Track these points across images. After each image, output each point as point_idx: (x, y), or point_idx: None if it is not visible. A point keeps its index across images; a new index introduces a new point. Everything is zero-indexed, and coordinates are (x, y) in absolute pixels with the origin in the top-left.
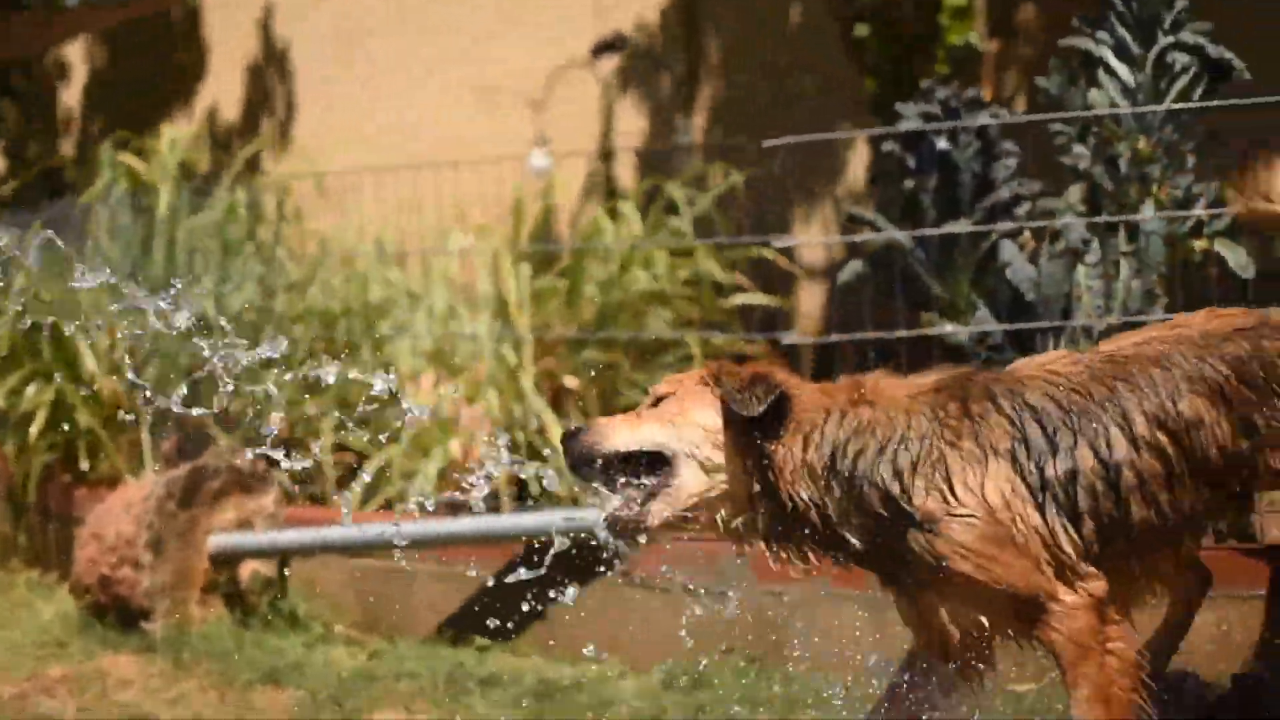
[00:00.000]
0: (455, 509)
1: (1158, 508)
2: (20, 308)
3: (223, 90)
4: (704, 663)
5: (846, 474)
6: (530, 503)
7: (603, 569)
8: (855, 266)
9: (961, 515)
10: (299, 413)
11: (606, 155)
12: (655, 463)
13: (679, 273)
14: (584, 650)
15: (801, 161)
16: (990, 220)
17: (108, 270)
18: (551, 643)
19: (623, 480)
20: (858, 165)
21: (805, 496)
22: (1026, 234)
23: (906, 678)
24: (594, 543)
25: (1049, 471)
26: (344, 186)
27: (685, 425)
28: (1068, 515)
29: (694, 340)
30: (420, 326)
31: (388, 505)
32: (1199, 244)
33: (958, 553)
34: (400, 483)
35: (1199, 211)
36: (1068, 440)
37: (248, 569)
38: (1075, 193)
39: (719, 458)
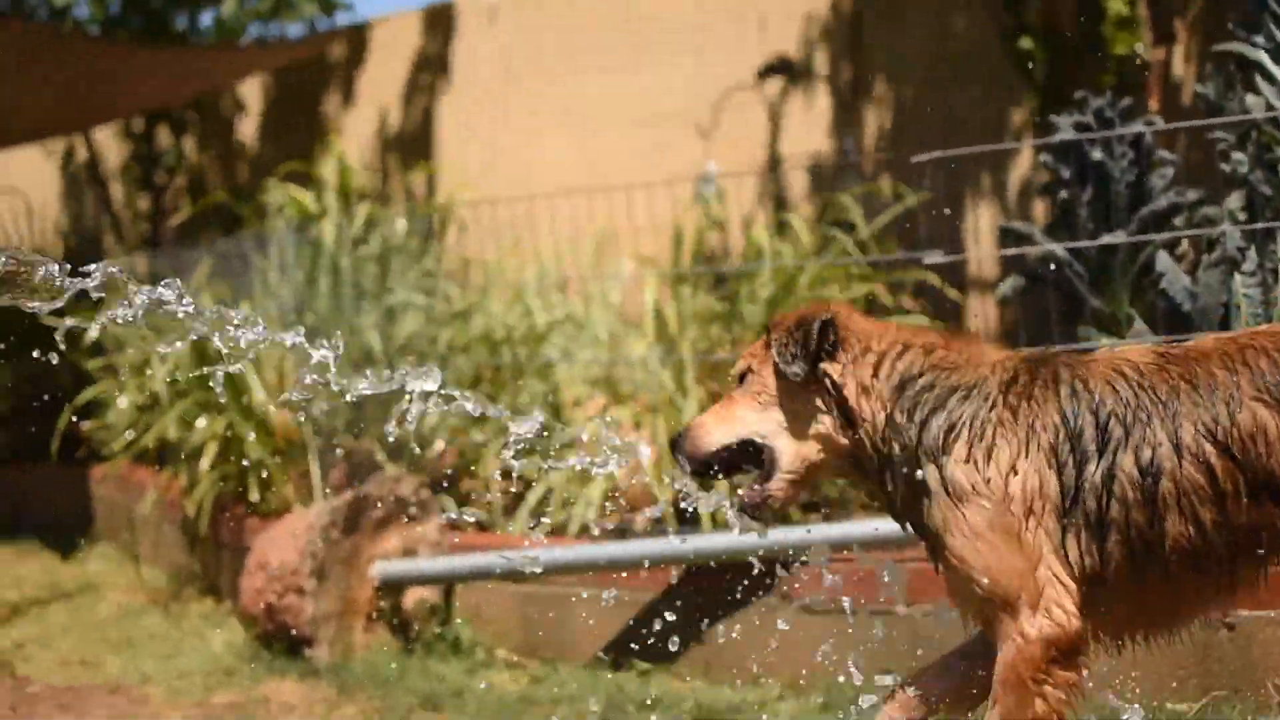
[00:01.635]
0: (620, 534)
1: (1199, 526)
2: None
3: (391, 121)
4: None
5: (909, 406)
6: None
7: (761, 592)
8: (1014, 281)
9: (979, 493)
10: (464, 440)
11: (773, 175)
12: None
13: (846, 293)
14: (745, 673)
15: (964, 178)
16: (1147, 231)
17: (261, 320)
18: (712, 667)
19: (738, 468)
20: (1020, 180)
21: (868, 414)
22: (1185, 244)
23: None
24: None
25: (1086, 474)
26: (514, 216)
27: (767, 400)
28: (1094, 522)
29: None
30: (585, 352)
31: (553, 531)
32: None
33: (960, 528)
34: (565, 509)
35: None
36: (1115, 441)
37: (413, 596)
38: (1235, 200)
39: (802, 418)
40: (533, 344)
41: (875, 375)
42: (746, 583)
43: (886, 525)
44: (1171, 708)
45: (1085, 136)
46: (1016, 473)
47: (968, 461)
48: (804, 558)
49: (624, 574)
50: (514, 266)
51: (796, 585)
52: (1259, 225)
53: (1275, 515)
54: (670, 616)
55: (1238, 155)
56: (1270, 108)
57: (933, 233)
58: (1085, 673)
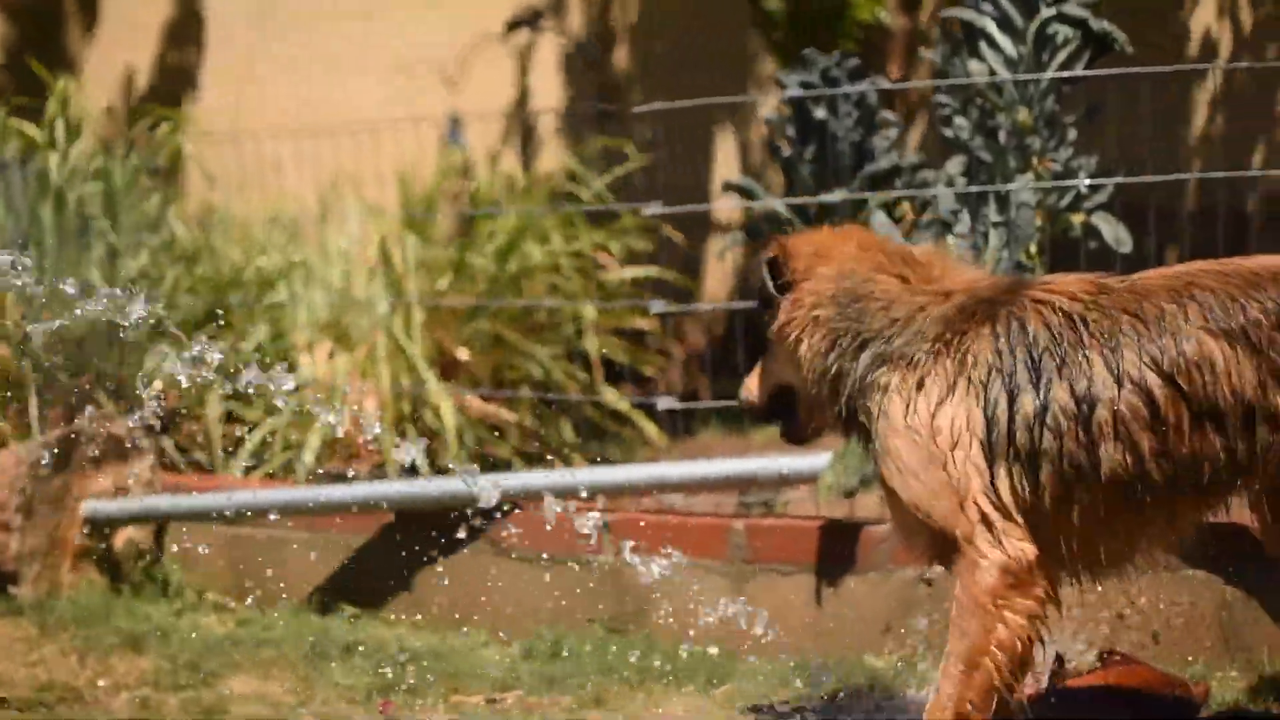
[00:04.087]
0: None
1: (1137, 455)
2: None
3: (140, 63)
4: (565, 633)
5: (847, 337)
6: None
7: (471, 539)
8: (734, 236)
9: (910, 427)
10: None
11: (515, 125)
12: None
13: (572, 245)
14: (452, 620)
15: (701, 132)
16: (868, 190)
17: None
18: (420, 612)
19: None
20: (759, 138)
21: (813, 346)
22: (906, 205)
23: None
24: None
25: (1018, 407)
26: (257, 159)
27: (773, 352)
28: (1025, 456)
29: (589, 312)
30: (313, 297)
31: (271, 475)
32: (1077, 218)
33: (893, 461)
34: (285, 454)
35: (1070, 183)
36: (1049, 374)
37: (123, 536)
38: (955, 165)
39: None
40: (261, 287)
41: (817, 301)
42: (456, 530)
43: (590, 475)
44: (869, 662)
45: (809, 94)
46: (945, 408)
47: (900, 395)
48: (511, 505)
49: (336, 518)
50: (248, 208)
51: (505, 533)
52: (972, 189)
53: (1217, 447)
54: (380, 561)
55: (960, 121)
56: (993, 74)
57: (672, 186)
58: (1048, 603)
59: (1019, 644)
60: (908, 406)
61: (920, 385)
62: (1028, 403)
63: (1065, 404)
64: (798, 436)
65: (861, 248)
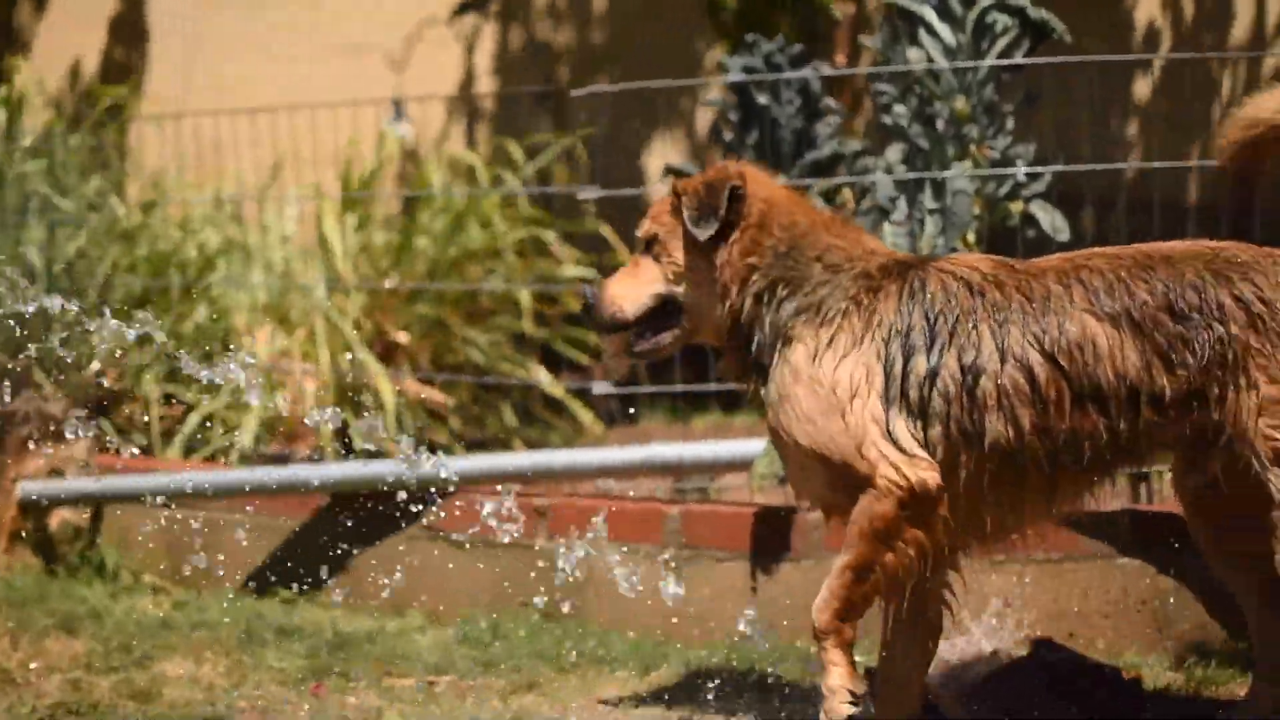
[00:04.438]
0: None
1: (1018, 428)
2: None
3: (89, 44)
4: (501, 617)
5: (779, 282)
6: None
7: (406, 523)
8: None
9: (813, 378)
10: (128, 363)
11: (462, 111)
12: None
13: (516, 231)
14: (387, 603)
15: (643, 117)
16: (810, 177)
17: None
18: (355, 596)
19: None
20: (704, 123)
21: (745, 284)
22: (846, 192)
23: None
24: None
25: (911, 367)
26: (199, 141)
27: (671, 265)
28: (917, 412)
29: (525, 297)
30: (254, 278)
31: (211, 458)
32: (1015, 206)
33: (791, 408)
34: (227, 436)
35: (1007, 170)
36: (941, 340)
37: (58, 517)
38: (894, 152)
39: (703, 285)
40: (201, 268)
41: (759, 247)
42: (393, 513)
43: (521, 459)
44: (803, 647)
45: (751, 79)
46: (848, 361)
47: (806, 346)
48: (447, 489)
49: (273, 501)
50: (191, 190)
51: (443, 517)
52: (909, 176)
53: (1099, 426)
54: (317, 544)
55: (899, 109)
56: (931, 62)
57: (614, 171)
58: (941, 537)
59: (902, 570)
60: (814, 358)
61: (831, 341)
62: (920, 363)
63: (953, 371)
64: (657, 347)
65: (802, 203)
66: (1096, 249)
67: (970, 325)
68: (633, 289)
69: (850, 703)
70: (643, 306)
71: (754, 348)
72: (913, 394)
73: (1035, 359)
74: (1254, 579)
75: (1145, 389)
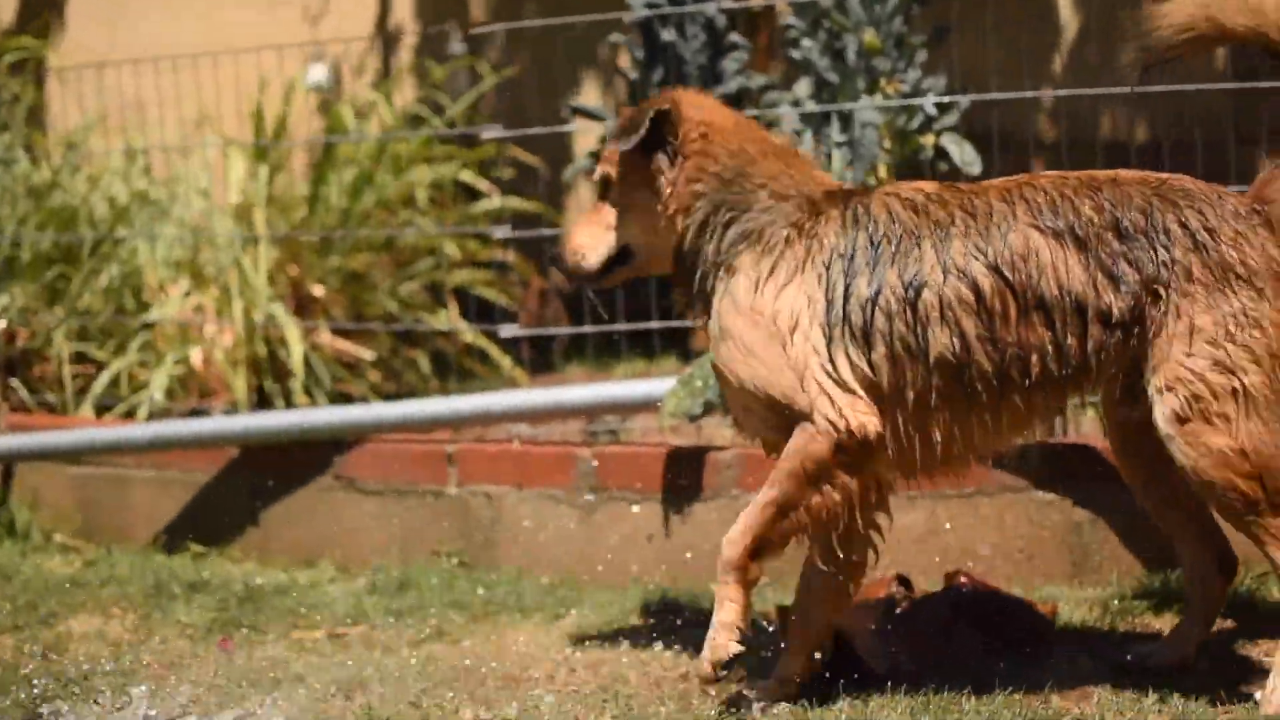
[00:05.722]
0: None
1: (963, 339)
2: None
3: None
4: (412, 567)
5: (720, 210)
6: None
7: (317, 473)
8: (581, 162)
9: (754, 308)
10: (39, 321)
11: (376, 54)
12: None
13: (434, 171)
14: (298, 555)
15: (554, 58)
16: None
17: None
18: (266, 549)
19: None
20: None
21: (686, 210)
22: None
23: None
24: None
25: (853, 289)
26: (118, 93)
27: (622, 201)
28: (860, 335)
29: (451, 243)
30: (167, 232)
31: (129, 415)
32: (926, 139)
33: (733, 339)
34: (140, 393)
35: (914, 100)
36: (884, 259)
37: None
38: (803, 87)
39: (652, 216)
40: (113, 223)
41: (704, 173)
42: (303, 465)
43: (431, 406)
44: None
45: (655, 13)
46: (789, 290)
47: (748, 277)
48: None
49: (185, 456)
50: (107, 143)
51: (353, 468)
52: (814, 109)
53: (1045, 339)
54: (226, 498)
55: (807, 42)
56: None
57: (522, 111)
58: (870, 486)
59: (826, 514)
60: (755, 288)
61: (772, 270)
62: (862, 285)
63: (895, 287)
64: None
65: (750, 128)
66: (1048, 172)
67: (913, 242)
68: (593, 237)
69: (737, 641)
70: (604, 256)
71: (697, 278)
72: (855, 317)
73: (978, 270)
74: (1185, 517)
75: (1091, 305)
